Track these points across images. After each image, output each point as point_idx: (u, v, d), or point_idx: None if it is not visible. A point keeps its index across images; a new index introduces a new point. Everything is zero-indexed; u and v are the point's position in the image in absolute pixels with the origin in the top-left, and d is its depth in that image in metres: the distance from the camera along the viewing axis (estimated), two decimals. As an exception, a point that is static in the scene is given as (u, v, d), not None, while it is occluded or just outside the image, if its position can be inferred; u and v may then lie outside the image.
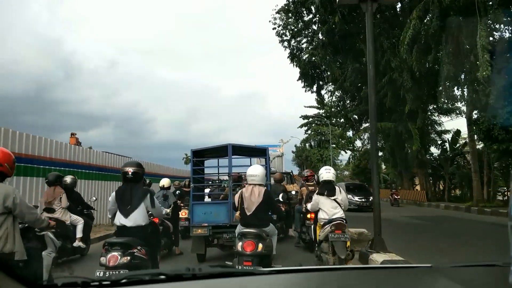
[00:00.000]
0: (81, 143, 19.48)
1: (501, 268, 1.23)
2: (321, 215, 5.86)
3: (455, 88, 20.01)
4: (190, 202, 7.36)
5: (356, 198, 21.70)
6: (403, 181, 29.90)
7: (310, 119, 65.55)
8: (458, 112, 25.08)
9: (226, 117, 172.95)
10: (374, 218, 7.39)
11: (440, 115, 26.84)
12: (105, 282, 1.29)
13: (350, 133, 34.61)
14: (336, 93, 32.43)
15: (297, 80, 34.47)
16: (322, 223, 5.75)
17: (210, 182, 10.37)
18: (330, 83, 33.03)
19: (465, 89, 18.68)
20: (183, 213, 8.98)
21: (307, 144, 68.46)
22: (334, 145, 58.03)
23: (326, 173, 6.08)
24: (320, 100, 34.28)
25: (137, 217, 4.37)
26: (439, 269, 1.61)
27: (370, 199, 17.40)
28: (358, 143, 35.69)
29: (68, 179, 8.15)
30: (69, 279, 1.29)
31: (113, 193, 4.65)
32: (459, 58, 15.64)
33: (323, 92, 34.41)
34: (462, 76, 18.07)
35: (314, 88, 34.26)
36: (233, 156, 7.45)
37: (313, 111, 64.85)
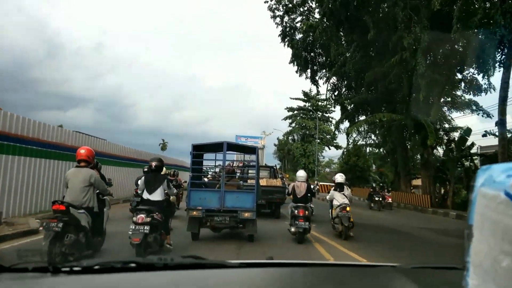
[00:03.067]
0: None
1: (460, 271, 0.97)
2: (334, 202, 9.87)
3: (481, 75, 16.56)
4: (188, 188, 8.65)
5: None
6: (400, 182, 26.56)
7: (296, 112, 62.31)
8: (474, 106, 21.71)
9: (209, 107, 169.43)
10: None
11: (452, 110, 23.46)
12: (76, 268, 1.26)
13: (341, 126, 30.78)
14: (332, 80, 28.75)
15: (289, 63, 30.64)
16: (335, 207, 9.79)
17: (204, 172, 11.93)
18: (326, 69, 29.42)
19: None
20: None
21: (290, 138, 65.13)
22: (318, 141, 54.59)
23: (340, 177, 10.37)
24: (315, 85, 30.21)
25: (157, 194, 6.67)
26: (401, 269, 1.64)
27: None
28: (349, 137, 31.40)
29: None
30: (40, 264, 1.28)
31: (142, 177, 7.13)
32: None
33: (316, 79, 30.96)
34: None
35: (308, 74, 30.68)
36: (227, 152, 8.77)
37: (299, 104, 61.82)
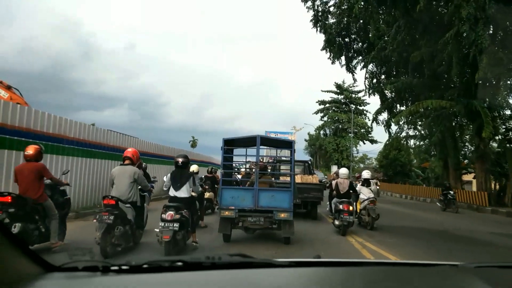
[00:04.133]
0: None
1: None
2: (361, 196, 10.74)
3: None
4: (220, 186, 8.15)
5: None
6: (449, 177, 23.84)
7: (328, 105, 59.65)
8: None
9: (239, 104, 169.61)
10: None
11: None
12: (125, 267, 1.28)
13: (381, 117, 28.15)
14: (369, 66, 26.29)
15: (321, 50, 28.50)
16: (361, 201, 10.70)
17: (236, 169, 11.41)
18: (362, 55, 26.99)
19: None
20: (206, 195, 11.12)
21: (321, 132, 62.54)
22: (351, 135, 51.89)
23: (366, 173, 11.35)
24: (351, 73, 27.87)
25: (183, 191, 6.67)
26: (466, 268, 1.56)
27: None
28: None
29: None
30: (90, 263, 1.29)
31: (169, 175, 6.95)
32: None
33: (351, 66, 28.56)
34: None
35: (342, 61, 28.37)
36: (260, 147, 8.20)
37: (332, 96, 59.09)
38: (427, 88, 21.23)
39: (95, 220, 5.91)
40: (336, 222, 9.44)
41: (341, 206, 9.22)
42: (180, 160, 6.82)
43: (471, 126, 20.84)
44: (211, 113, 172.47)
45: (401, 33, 19.14)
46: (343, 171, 10.56)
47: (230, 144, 8.59)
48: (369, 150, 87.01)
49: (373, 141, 57.51)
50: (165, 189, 7.01)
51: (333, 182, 10.33)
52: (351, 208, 9.26)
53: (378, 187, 27.03)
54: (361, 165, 65.97)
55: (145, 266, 1.28)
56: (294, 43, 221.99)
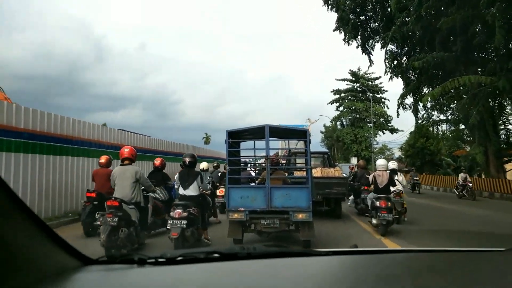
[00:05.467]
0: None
1: None
2: None
3: None
4: (226, 185, 7.23)
5: None
6: (490, 166, 20.84)
7: (343, 94, 56.52)
8: None
9: (253, 99, 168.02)
10: None
11: None
12: (161, 259, 1.28)
13: (406, 101, 25.18)
14: (389, 46, 23.44)
15: (334, 30, 25.82)
16: None
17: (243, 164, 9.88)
18: (380, 35, 24.16)
19: None
20: (220, 191, 11.03)
21: (338, 123, 59.48)
22: (371, 125, 48.87)
23: (392, 164, 10.24)
24: (367, 55, 25.09)
25: (192, 190, 6.79)
26: None
27: None
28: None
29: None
30: (126, 256, 1.30)
31: (177, 174, 7.05)
32: None
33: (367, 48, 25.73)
34: None
35: (358, 41, 25.57)
36: (270, 138, 7.28)
37: (346, 86, 55.94)
38: (461, 63, 18.30)
39: (99, 223, 6.14)
40: (374, 221, 8.57)
41: (378, 203, 8.31)
42: (187, 159, 6.98)
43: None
44: (225, 109, 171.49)
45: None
46: (381, 162, 9.37)
47: (236, 137, 7.73)
48: (388, 140, 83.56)
49: (393, 130, 54.32)
50: (176, 187, 7.18)
51: (370, 176, 9.50)
52: (389, 204, 8.31)
53: None
54: (382, 156, 62.82)
55: (180, 258, 1.29)
56: (306, 34, 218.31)
